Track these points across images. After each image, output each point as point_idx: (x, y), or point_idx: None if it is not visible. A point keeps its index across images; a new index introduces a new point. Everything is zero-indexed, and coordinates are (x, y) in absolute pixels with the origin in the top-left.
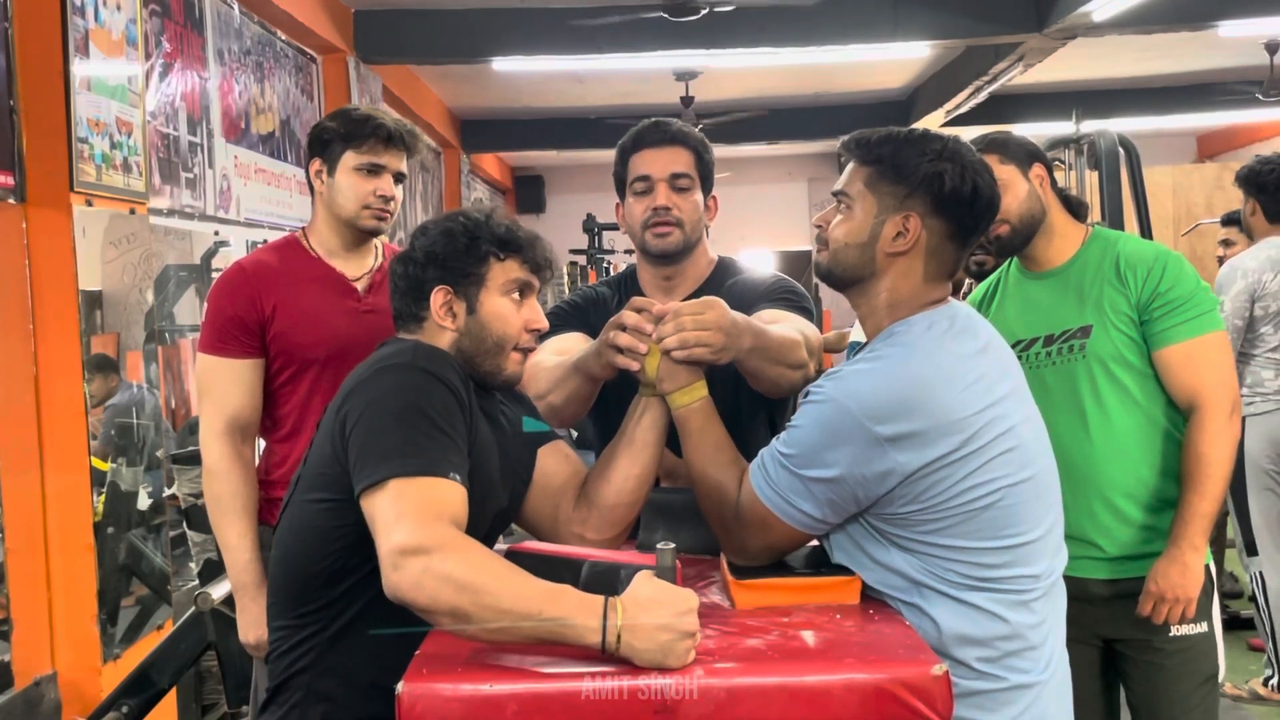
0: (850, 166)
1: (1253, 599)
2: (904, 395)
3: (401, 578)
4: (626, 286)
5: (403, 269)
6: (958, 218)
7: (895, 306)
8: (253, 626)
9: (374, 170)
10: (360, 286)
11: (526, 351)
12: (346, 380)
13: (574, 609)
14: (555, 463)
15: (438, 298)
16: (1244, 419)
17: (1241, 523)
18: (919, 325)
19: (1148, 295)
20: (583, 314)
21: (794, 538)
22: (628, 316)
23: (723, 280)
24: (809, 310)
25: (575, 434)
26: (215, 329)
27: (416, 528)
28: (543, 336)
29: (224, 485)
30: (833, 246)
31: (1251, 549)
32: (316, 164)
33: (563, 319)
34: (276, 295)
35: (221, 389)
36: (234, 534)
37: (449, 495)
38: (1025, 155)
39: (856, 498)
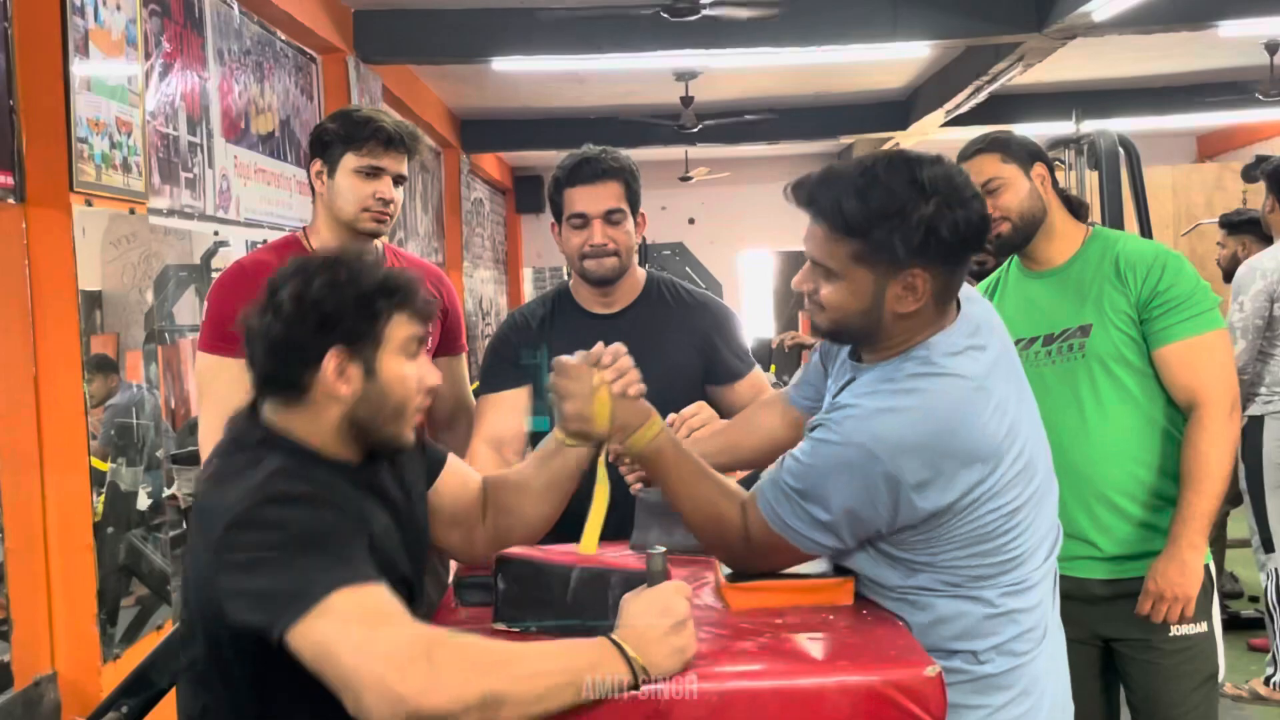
0: (822, 233)
1: (1254, 599)
2: (933, 441)
3: (409, 689)
4: (561, 302)
5: (280, 329)
6: (963, 251)
7: (910, 340)
8: None
9: (373, 173)
10: None
11: (421, 412)
12: (205, 517)
13: (595, 656)
14: (455, 488)
15: (330, 363)
16: (1262, 418)
17: (1259, 520)
18: (939, 350)
19: (1147, 294)
20: (514, 352)
21: (806, 559)
22: (560, 385)
23: (659, 293)
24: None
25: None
26: (216, 328)
27: (394, 637)
28: (481, 390)
29: None
30: (831, 315)
31: (1269, 545)
32: (317, 165)
33: (495, 370)
34: None
35: (222, 388)
36: None
37: (391, 598)
38: (1027, 154)
39: (879, 531)
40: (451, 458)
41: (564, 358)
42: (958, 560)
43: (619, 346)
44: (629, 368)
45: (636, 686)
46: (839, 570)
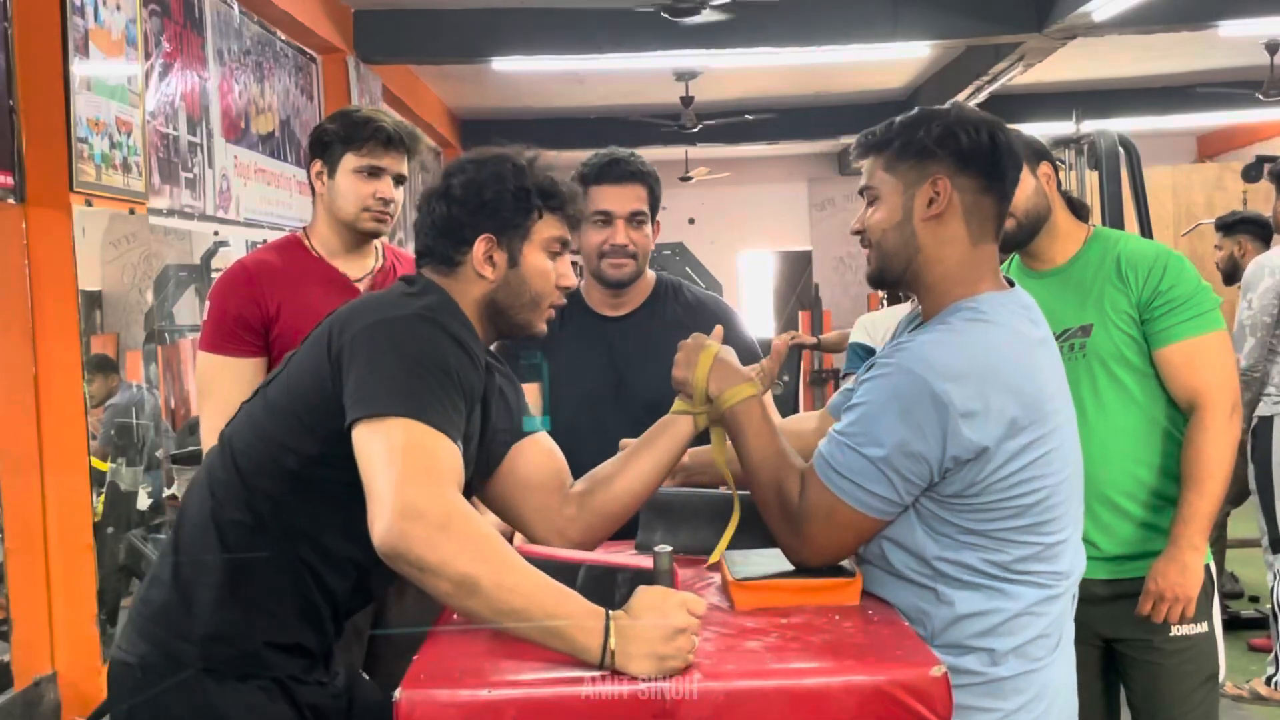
0: (868, 162)
1: (1254, 599)
2: (978, 366)
3: (413, 529)
4: (571, 304)
5: (444, 209)
6: (984, 170)
7: (954, 280)
8: None
9: (374, 173)
10: (362, 287)
11: (555, 308)
12: (355, 311)
13: (579, 618)
14: (538, 457)
15: (480, 246)
16: (1272, 418)
17: (1269, 519)
18: (988, 302)
19: (1149, 294)
20: (523, 345)
21: (860, 529)
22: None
23: (666, 296)
24: (759, 356)
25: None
26: (218, 328)
27: (434, 486)
28: None
29: None
30: (874, 238)
31: (1277, 545)
32: (317, 165)
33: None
34: (280, 295)
35: (224, 388)
36: None
37: (456, 461)
38: (1033, 154)
39: (930, 470)
40: (547, 438)
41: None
42: (1005, 532)
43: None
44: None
45: (600, 668)
46: (847, 570)
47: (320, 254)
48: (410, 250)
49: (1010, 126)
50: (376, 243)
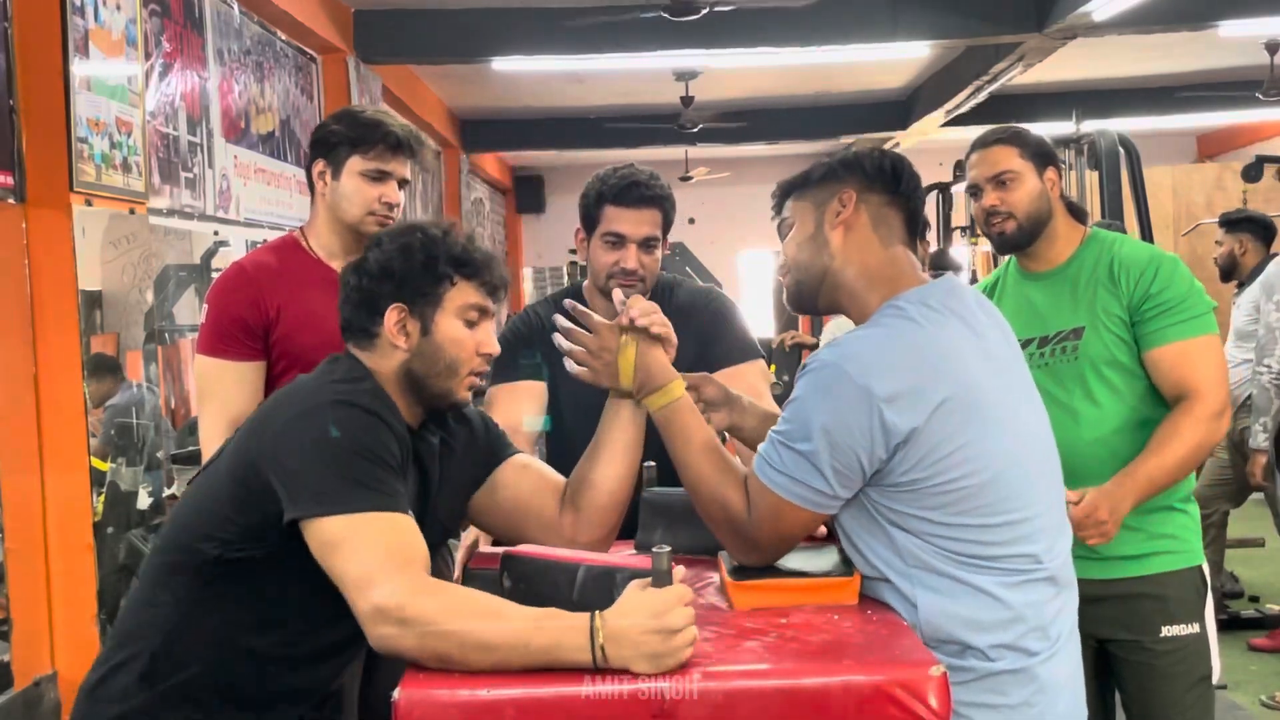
0: (786, 205)
1: (1254, 599)
2: (900, 353)
3: (384, 633)
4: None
5: (355, 280)
6: (889, 185)
7: (872, 279)
8: None
9: (380, 176)
10: None
11: (478, 375)
12: (266, 414)
13: (562, 632)
14: (524, 478)
15: (391, 316)
16: None
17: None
18: (913, 297)
19: (1139, 296)
20: (524, 344)
21: (806, 523)
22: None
23: (663, 295)
24: (756, 348)
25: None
26: (218, 330)
27: (388, 580)
28: (493, 381)
29: None
30: (789, 256)
31: None
32: (320, 165)
33: (508, 363)
34: (280, 297)
35: (224, 391)
36: None
37: (407, 532)
38: (1042, 156)
39: (860, 462)
40: (521, 455)
41: (597, 319)
42: (951, 518)
43: (648, 305)
44: (654, 310)
45: (596, 671)
46: (845, 568)
47: (319, 255)
48: None
49: (1017, 126)
50: None
